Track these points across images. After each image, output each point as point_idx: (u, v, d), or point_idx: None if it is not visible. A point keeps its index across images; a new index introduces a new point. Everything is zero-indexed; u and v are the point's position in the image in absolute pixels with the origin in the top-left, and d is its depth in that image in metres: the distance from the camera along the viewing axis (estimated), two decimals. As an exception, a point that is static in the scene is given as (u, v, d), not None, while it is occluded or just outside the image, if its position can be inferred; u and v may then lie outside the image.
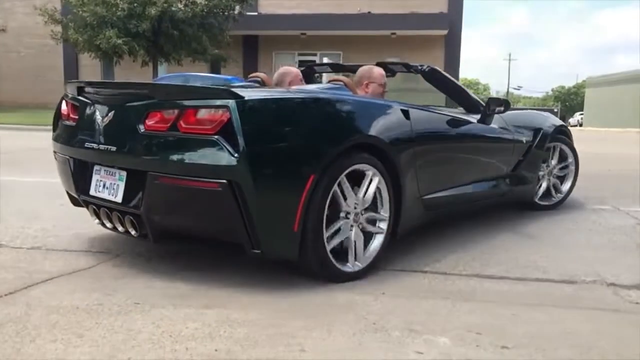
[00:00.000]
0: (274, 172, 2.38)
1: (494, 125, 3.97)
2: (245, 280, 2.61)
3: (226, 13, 18.58)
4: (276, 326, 2.09)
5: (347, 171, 2.60)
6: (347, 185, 2.63)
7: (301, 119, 2.54)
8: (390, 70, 4.01)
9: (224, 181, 2.28)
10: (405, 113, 3.07)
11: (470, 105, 4.04)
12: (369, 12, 21.61)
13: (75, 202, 3.13)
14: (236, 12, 18.72)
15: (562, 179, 4.65)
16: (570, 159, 4.64)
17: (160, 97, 2.50)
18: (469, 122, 3.76)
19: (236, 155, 2.27)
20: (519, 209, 4.37)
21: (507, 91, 77.05)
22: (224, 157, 2.27)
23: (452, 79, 4.12)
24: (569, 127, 5.06)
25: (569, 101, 75.99)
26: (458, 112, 3.95)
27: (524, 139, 4.21)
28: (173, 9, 17.13)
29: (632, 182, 6.32)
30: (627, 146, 14.92)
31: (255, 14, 21.78)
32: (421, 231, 3.42)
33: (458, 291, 2.58)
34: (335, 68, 4.45)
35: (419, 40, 21.80)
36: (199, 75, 4.31)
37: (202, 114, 2.34)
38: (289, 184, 2.42)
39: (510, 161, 4.10)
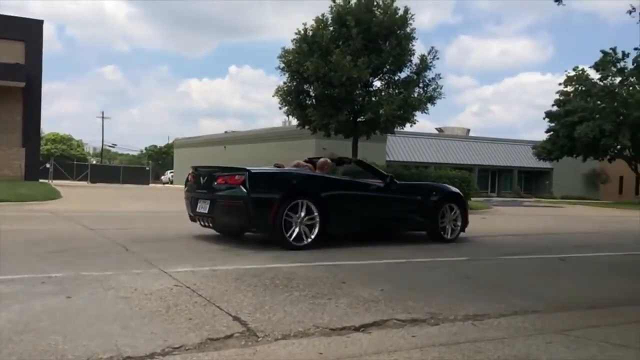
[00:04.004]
0: (260, 200, 6.50)
1: (393, 187, 7.82)
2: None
3: None
4: None
5: (292, 203, 6.53)
6: (291, 211, 6.52)
7: (273, 180, 6.94)
8: (339, 162, 8.61)
9: (242, 202, 6.47)
10: (327, 179, 7.40)
11: (381, 177, 7.92)
12: None
13: (192, 218, 7.43)
14: None
15: (453, 224, 8.28)
16: (457, 211, 8.27)
17: (222, 172, 7.07)
18: (372, 185, 7.73)
19: (245, 191, 6.41)
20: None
21: (102, 148, 76.43)
22: (243, 192, 6.43)
23: (370, 163, 8.53)
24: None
25: (162, 160, 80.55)
26: (370, 180, 7.89)
27: (419, 198, 8.08)
28: None
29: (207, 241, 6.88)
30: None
31: None
32: None
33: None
34: (314, 161, 8.09)
35: (-10, 90, 19.43)
36: None
37: (236, 177, 6.59)
38: (266, 205, 6.46)
39: (405, 209, 8.04)
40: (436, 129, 51.22)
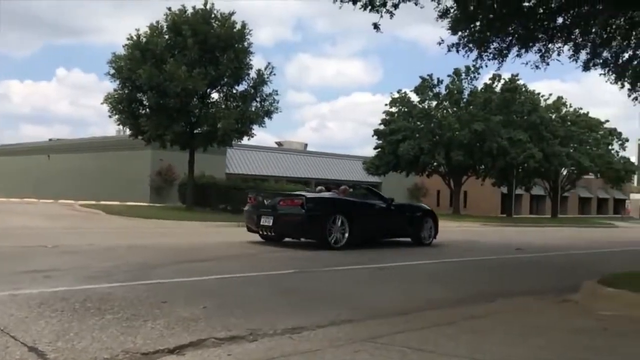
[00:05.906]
0: (313, 216, 10.09)
1: (392, 207, 11.59)
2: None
3: None
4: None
5: (333, 217, 10.12)
6: (332, 223, 10.08)
7: (321, 202, 10.61)
8: (353, 188, 13.04)
9: (301, 217, 10.07)
10: (352, 201, 11.13)
11: (383, 199, 11.66)
12: None
13: (250, 230, 10.98)
14: None
15: (429, 233, 12.17)
16: (431, 223, 12.18)
17: (284, 196, 10.94)
18: (378, 205, 11.44)
19: (304, 210, 10.05)
20: None
21: None
22: (301, 210, 10.06)
23: (376, 190, 13.44)
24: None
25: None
26: (377, 201, 11.60)
27: (408, 214, 12.08)
28: None
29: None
30: (13, 216, 14.80)
31: None
32: None
33: None
34: (334, 187, 11.99)
35: None
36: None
37: (296, 200, 10.35)
38: (317, 219, 10.09)
39: (400, 222, 11.73)
40: (276, 142, 52.23)
